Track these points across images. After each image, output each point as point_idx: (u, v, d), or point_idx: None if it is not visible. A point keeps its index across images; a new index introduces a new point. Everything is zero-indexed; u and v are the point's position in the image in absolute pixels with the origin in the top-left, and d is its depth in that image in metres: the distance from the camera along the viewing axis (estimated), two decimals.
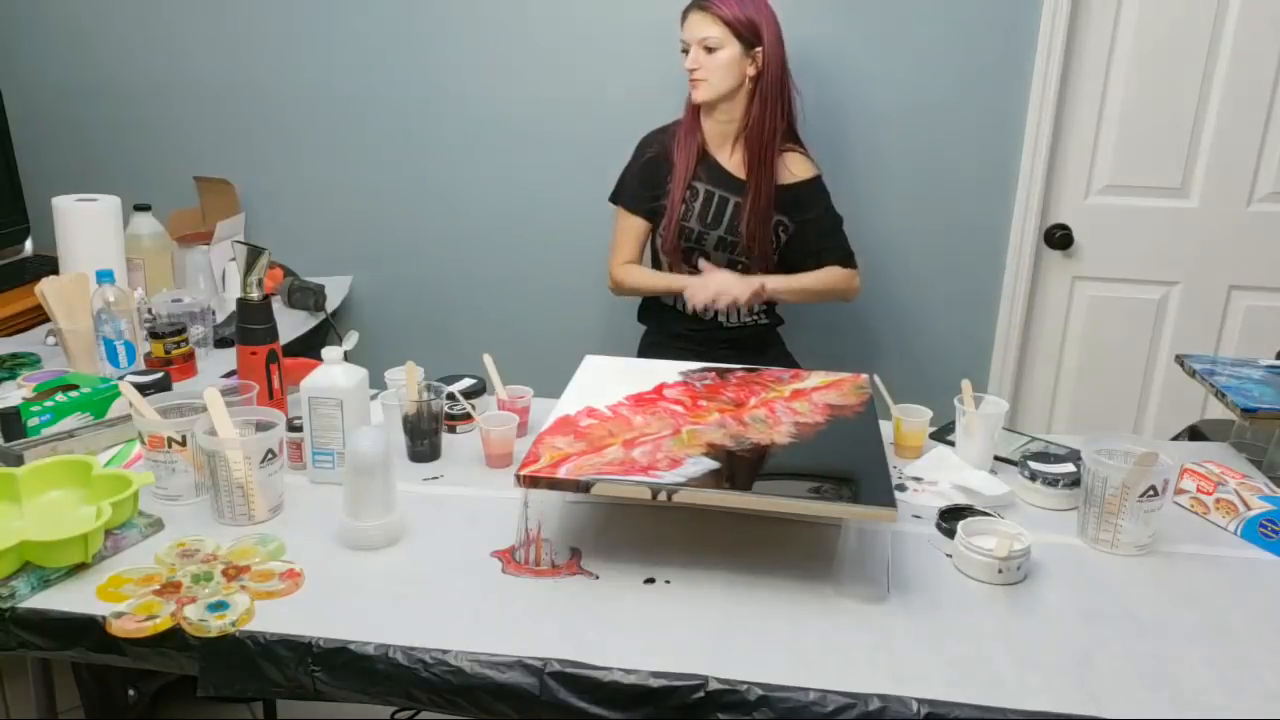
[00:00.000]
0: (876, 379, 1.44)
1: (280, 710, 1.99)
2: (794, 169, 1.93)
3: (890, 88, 2.20)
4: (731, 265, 1.95)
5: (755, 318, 2.03)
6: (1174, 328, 2.33)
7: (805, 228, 1.95)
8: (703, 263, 1.94)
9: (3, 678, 1.77)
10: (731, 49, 1.80)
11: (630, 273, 2.00)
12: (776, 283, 1.91)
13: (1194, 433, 1.65)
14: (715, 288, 1.86)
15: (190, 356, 1.75)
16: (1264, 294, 2.27)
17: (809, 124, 2.00)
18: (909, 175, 2.24)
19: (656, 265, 2.04)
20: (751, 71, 1.84)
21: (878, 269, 2.34)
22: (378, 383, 1.49)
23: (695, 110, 1.90)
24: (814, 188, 1.94)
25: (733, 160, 1.93)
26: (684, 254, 1.95)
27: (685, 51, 1.83)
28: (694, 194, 1.92)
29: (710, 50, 1.80)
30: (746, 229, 1.90)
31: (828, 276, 1.95)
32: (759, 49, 1.82)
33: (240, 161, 2.47)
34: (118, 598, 1.06)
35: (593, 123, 2.30)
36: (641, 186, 1.95)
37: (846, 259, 1.97)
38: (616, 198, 2.01)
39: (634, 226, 1.98)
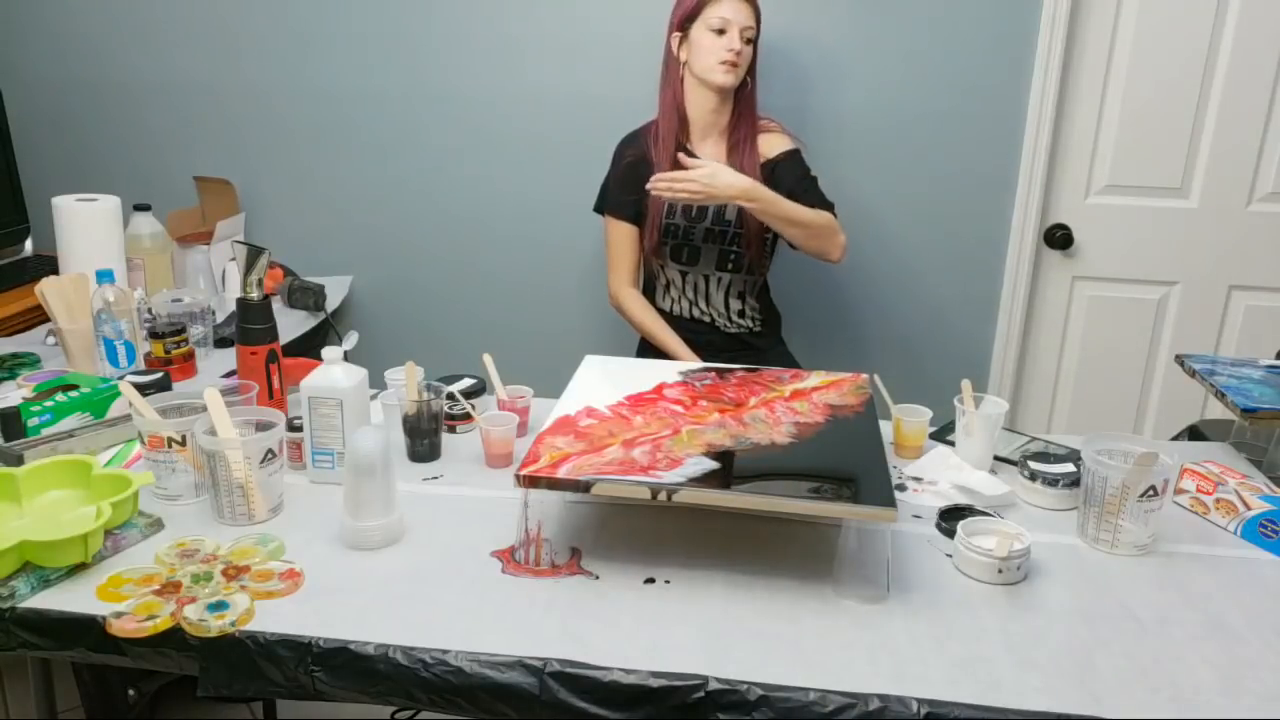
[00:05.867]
0: (876, 379, 1.44)
1: (280, 710, 1.99)
2: (774, 144, 1.94)
3: (890, 88, 2.20)
4: (724, 256, 1.94)
5: (751, 323, 2.03)
6: (1174, 328, 2.33)
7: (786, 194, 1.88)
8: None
9: (3, 678, 1.76)
10: (754, 41, 1.87)
11: (634, 305, 1.99)
12: (768, 194, 1.76)
13: (1194, 433, 1.65)
14: (712, 169, 1.71)
15: (190, 356, 1.75)
16: (1264, 294, 2.27)
17: (809, 125, 2.00)
18: (909, 175, 2.24)
19: (648, 268, 2.03)
20: None
21: (878, 268, 2.34)
22: (378, 383, 1.49)
23: (678, 108, 1.91)
24: (792, 159, 1.93)
25: (713, 152, 1.93)
26: (673, 251, 1.95)
27: (720, 33, 1.82)
28: None
29: (747, 41, 1.85)
30: (735, 210, 1.89)
31: (815, 214, 1.83)
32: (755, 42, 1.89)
33: (240, 161, 2.47)
34: (118, 598, 1.06)
35: (593, 123, 2.29)
36: (625, 191, 1.95)
37: (829, 209, 1.89)
38: (602, 207, 2.01)
39: (625, 234, 1.97)
